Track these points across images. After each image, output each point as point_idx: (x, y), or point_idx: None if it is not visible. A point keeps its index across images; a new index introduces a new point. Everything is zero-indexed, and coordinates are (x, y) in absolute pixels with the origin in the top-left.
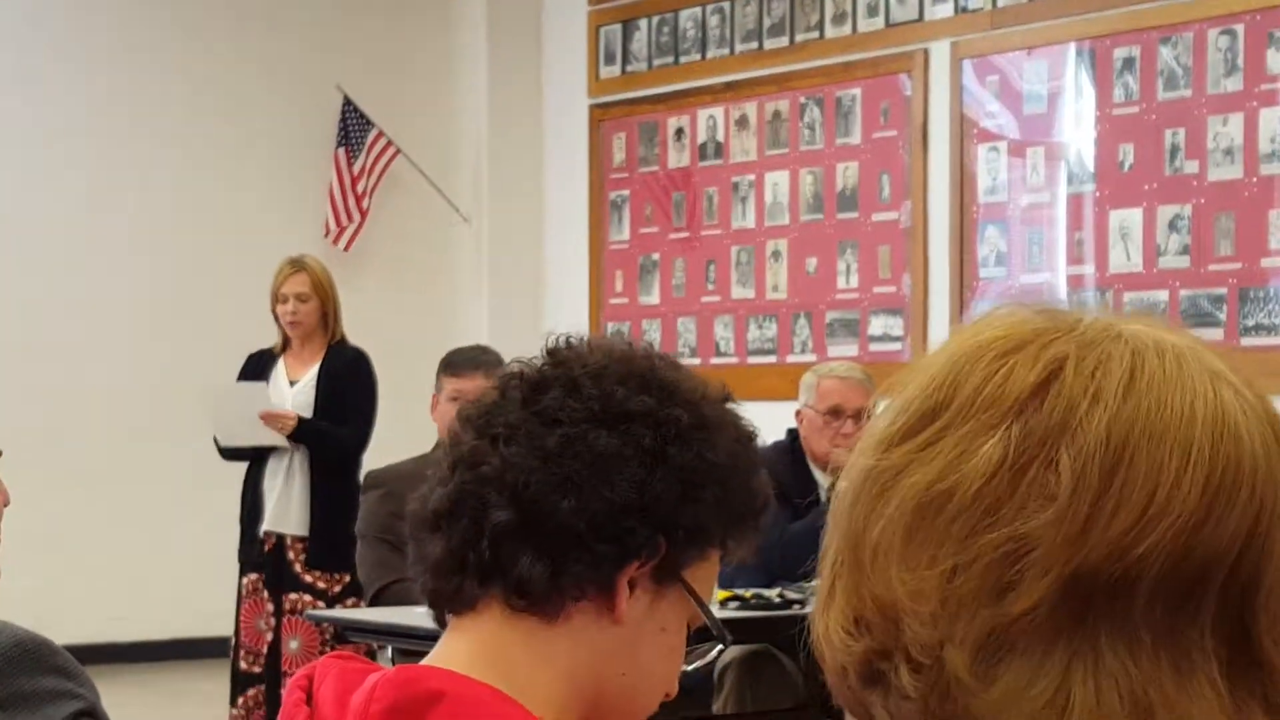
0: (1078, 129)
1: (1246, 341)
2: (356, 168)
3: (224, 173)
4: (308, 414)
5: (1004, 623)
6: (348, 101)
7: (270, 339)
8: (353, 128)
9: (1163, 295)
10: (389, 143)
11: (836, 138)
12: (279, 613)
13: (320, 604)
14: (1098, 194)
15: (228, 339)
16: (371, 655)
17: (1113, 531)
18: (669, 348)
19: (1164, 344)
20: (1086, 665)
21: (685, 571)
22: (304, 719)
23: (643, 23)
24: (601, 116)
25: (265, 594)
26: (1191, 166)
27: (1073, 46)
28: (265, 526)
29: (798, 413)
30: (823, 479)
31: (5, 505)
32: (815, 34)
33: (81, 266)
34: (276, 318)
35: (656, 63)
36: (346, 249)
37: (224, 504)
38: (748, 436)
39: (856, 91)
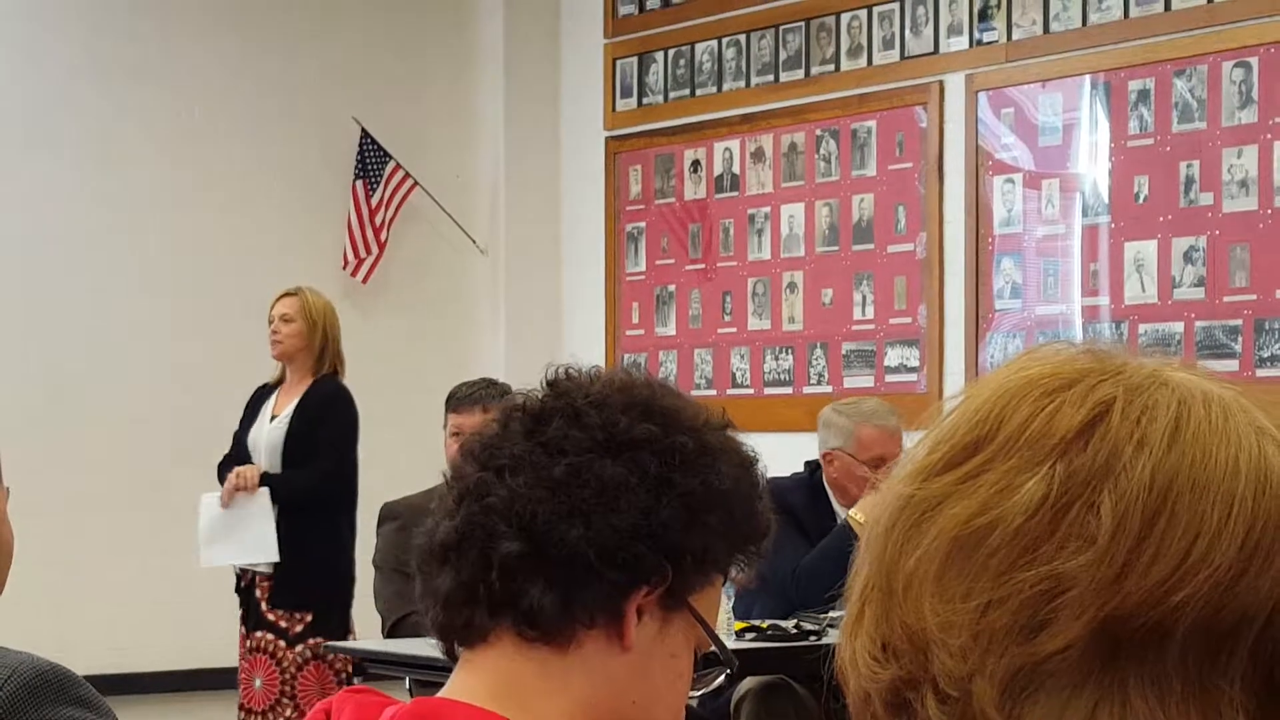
0: (1093, 161)
1: (1262, 373)
2: (374, 200)
3: (242, 204)
4: (277, 449)
5: (1034, 661)
6: (365, 134)
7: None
8: (370, 160)
9: (1178, 327)
10: (406, 175)
11: (852, 170)
12: (249, 650)
13: (281, 643)
14: (1113, 226)
15: (244, 369)
16: (347, 680)
17: (1150, 578)
18: (685, 379)
19: (1210, 395)
20: (1114, 708)
21: (692, 597)
22: None
23: (659, 56)
24: (618, 149)
25: (243, 628)
26: (1206, 198)
27: (1087, 79)
28: (240, 564)
29: (826, 454)
30: (842, 513)
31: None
32: (831, 67)
33: (100, 292)
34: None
35: (673, 95)
36: (365, 281)
37: None
38: (749, 462)
39: (872, 124)
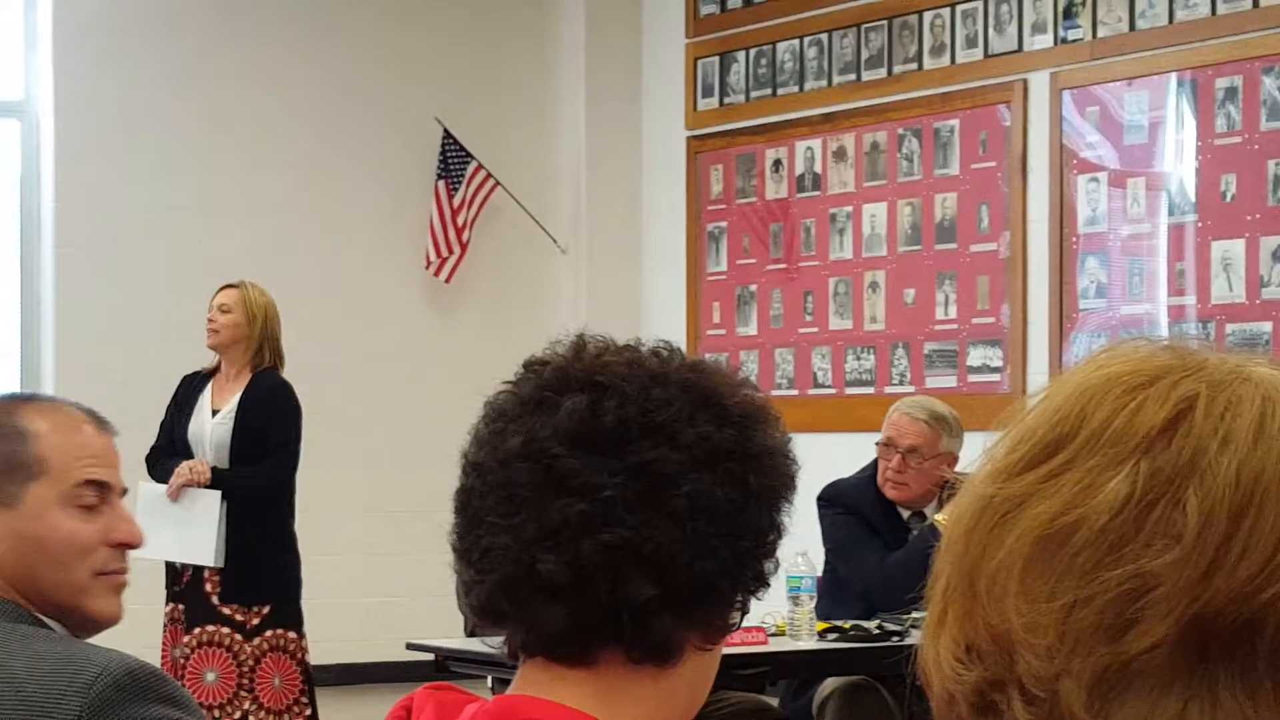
0: (1179, 159)
1: None
2: (456, 200)
3: (326, 205)
4: (225, 447)
5: (1122, 660)
6: (447, 134)
7: (333, 364)
8: (452, 160)
9: (1266, 327)
10: (488, 175)
11: (935, 169)
12: (197, 645)
13: (238, 636)
14: (1199, 225)
15: (328, 367)
16: (306, 670)
17: (1238, 576)
18: (766, 379)
19: None
20: (1204, 707)
21: None
22: None
23: (740, 55)
24: (699, 148)
25: (183, 624)
26: None
27: (1174, 77)
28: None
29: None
30: (902, 510)
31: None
32: (914, 65)
33: (184, 294)
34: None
35: (754, 95)
36: (448, 280)
37: None
38: (778, 419)
39: (955, 122)
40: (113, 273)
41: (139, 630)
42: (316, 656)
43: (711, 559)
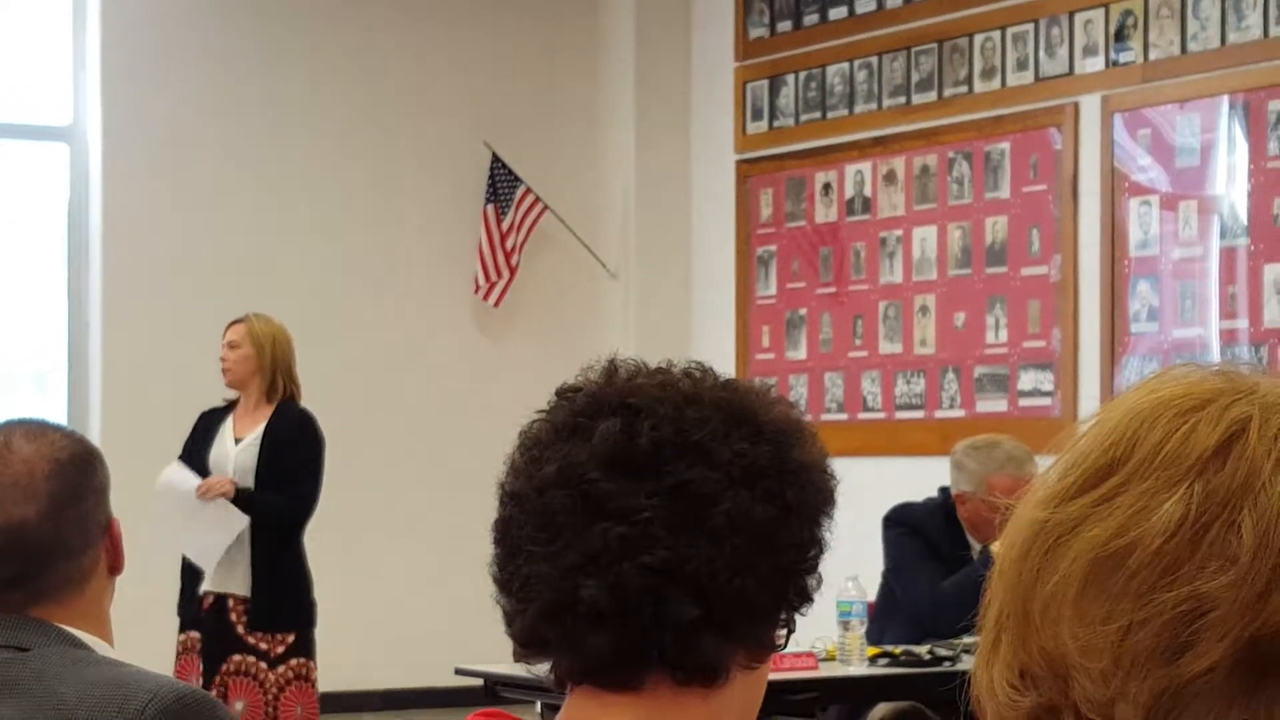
0: (1231, 182)
1: None
2: (505, 224)
3: (374, 229)
4: (251, 472)
5: (1179, 683)
6: (496, 158)
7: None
8: (501, 184)
9: None
10: (537, 199)
11: (985, 192)
12: (214, 672)
13: (263, 665)
14: (1252, 248)
15: (378, 392)
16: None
17: None
18: (816, 403)
19: None
20: None
21: None
22: None
23: (790, 79)
24: (748, 172)
25: (199, 653)
26: None
27: (1225, 99)
28: (206, 586)
29: (958, 494)
30: (975, 543)
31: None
32: (964, 88)
33: (241, 316)
34: None
35: (804, 118)
36: (496, 305)
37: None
38: (814, 434)
39: (1005, 146)
40: (160, 296)
41: (148, 659)
42: (365, 681)
43: (752, 576)
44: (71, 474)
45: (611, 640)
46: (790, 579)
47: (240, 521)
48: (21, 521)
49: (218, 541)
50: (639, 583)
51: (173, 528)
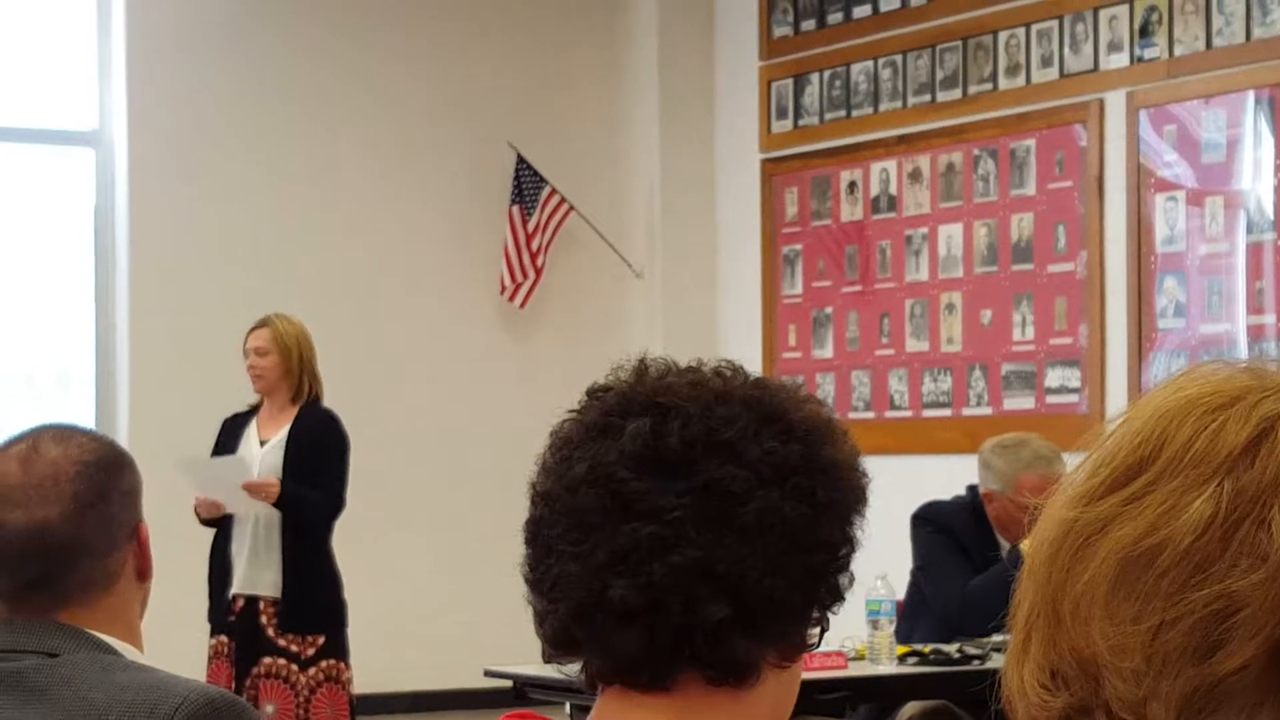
0: (1257, 177)
1: None
2: (531, 225)
3: (402, 231)
4: (276, 474)
5: (1211, 682)
6: (521, 159)
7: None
8: (526, 185)
9: None
10: (562, 200)
11: (1011, 189)
12: (244, 674)
13: (294, 667)
14: (1278, 243)
15: (404, 392)
16: (351, 701)
17: None
18: (843, 401)
19: None
20: None
21: None
22: None
23: (814, 77)
24: (773, 171)
25: (228, 657)
26: None
27: (1251, 94)
28: (235, 589)
29: (986, 493)
30: (1004, 541)
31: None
32: (989, 85)
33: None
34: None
35: (828, 116)
36: (523, 305)
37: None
38: (845, 433)
39: (1031, 142)
40: (186, 298)
41: (179, 665)
42: (393, 683)
43: (783, 575)
44: (96, 476)
45: (641, 639)
46: (821, 578)
47: (259, 507)
48: (44, 522)
49: (235, 508)
50: (669, 582)
51: (204, 478)
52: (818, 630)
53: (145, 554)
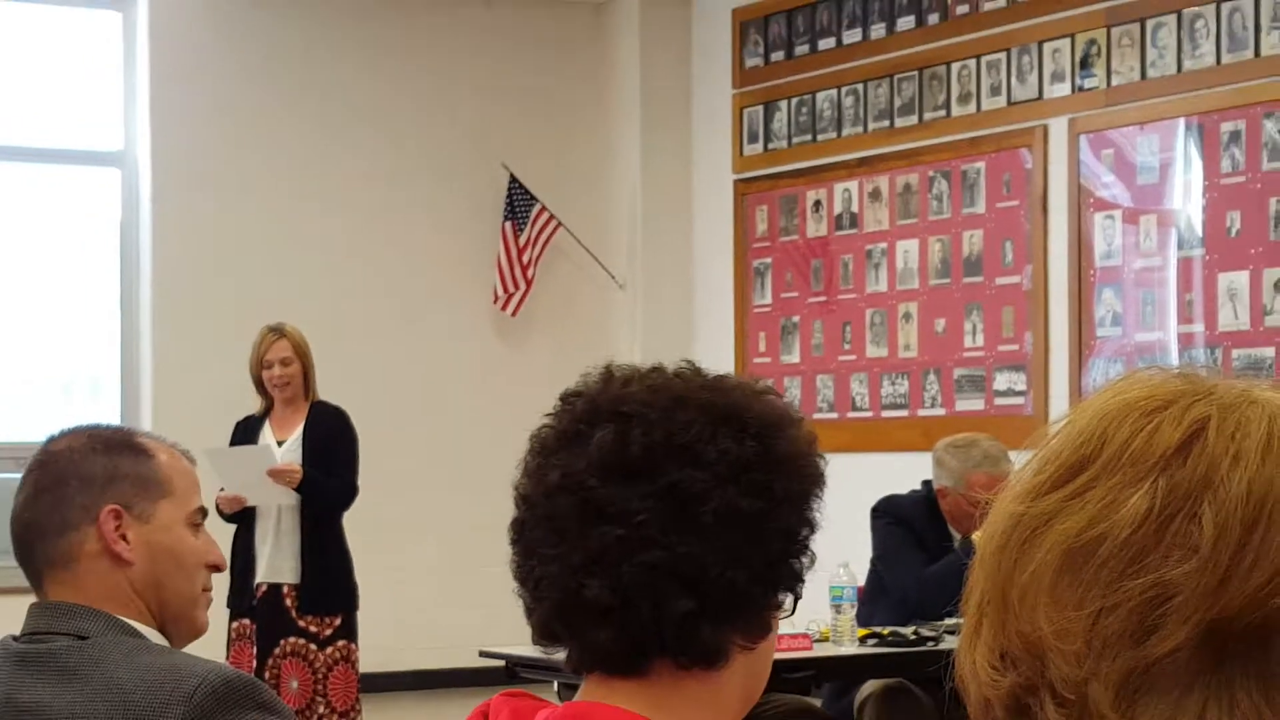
0: (1187, 198)
1: None
2: (522, 239)
3: (404, 244)
4: (297, 464)
5: (1146, 663)
6: (513, 179)
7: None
8: (518, 203)
9: (1269, 352)
10: (551, 216)
11: (962, 208)
12: (266, 655)
13: (313, 647)
14: (1206, 258)
15: (406, 394)
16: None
17: (1251, 583)
18: (808, 403)
19: None
20: (1222, 706)
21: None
22: None
23: (783, 104)
24: (745, 191)
25: (250, 639)
26: None
27: (1182, 121)
28: (260, 577)
29: (940, 489)
30: (956, 534)
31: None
32: (942, 112)
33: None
34: (260, 382)
35: (796, 141)
36: (514, 314)
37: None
38: (801, 419)
39: (981, 165)
40: (204, 308)
41: (200, 647)
42: (396, 663)
43: (743, 567)
44: (57, 464)
45: (615, 634)
46: (780, 564)
47: (282, 495)
48: (15, 508)
49: (259, 496)
50: (638, 580)
51: (233, 485)
52: (792, 599)
53: (106, 539)
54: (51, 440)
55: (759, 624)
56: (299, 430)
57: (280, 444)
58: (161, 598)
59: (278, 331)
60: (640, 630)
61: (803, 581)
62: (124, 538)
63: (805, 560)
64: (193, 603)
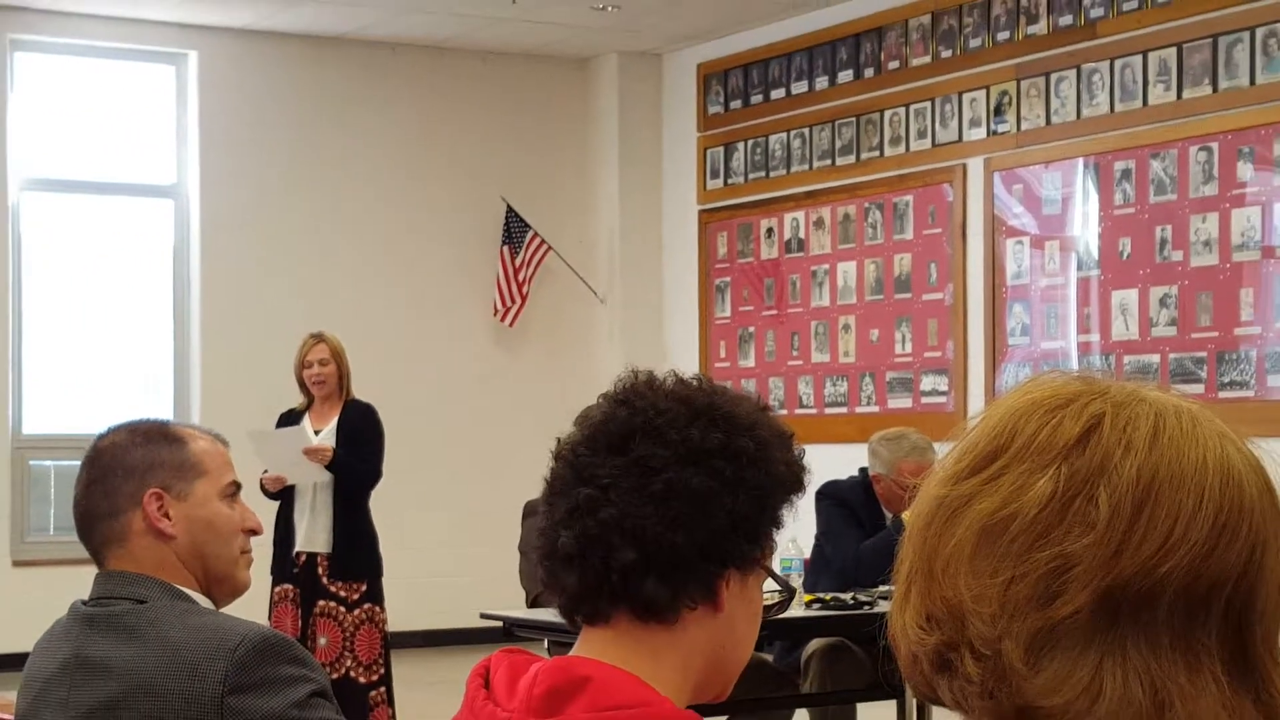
0: (1086, 226)
1: (1223, 395)
2: (517, 261)
3: (417, 265)
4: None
5: (1051, 624)
6: (510, 210)
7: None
8: (514, 230)
9: (1154, 358)
10: (542, 241)
11: (894, 234)
12: (307, 615)
13: (342, 609)
14: (1102, 278)
15: (416, 396)
16: (385, 639)
17: (1140, 555)
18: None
19: (1180, 408)
20: (1116, 660)
21: (764, 558)
22: (483, 700)
23: (740, 145)
24: (708, 220)
25: (292, 601)
26: (1177, 255)
27: (1081, 161)
28: (299, 547)
29: (874, 476)
30: (888, 512)
31: (258, 533)
32: (876, 153)
33: (280, 342)
34: (302, 381)
35: (751, 177)
36: (511, 325)
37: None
38: (789, 436)
39: (909, 198)
40: (246, 321)
41: (244, 609)
42: (410, 624)
43: (681, 533)
44: (105, 458)
45: (578, 578)
46: (725, 540)
47: (316, 472)
48: (74, 498)
49: (296, 474)
50: (595, 533)
51: (273, 464)
52: (764, 551)
53: (150, 519)
54: (100, 437)
55: (703, 589)
56: (334, 422)
57: (317, 433)
58: (205, 564)
59: (318, 337)
60: (594, 577)
61: (747, 560)
62: (166, 515)
63: (759, 546)
64: (233, 563)
